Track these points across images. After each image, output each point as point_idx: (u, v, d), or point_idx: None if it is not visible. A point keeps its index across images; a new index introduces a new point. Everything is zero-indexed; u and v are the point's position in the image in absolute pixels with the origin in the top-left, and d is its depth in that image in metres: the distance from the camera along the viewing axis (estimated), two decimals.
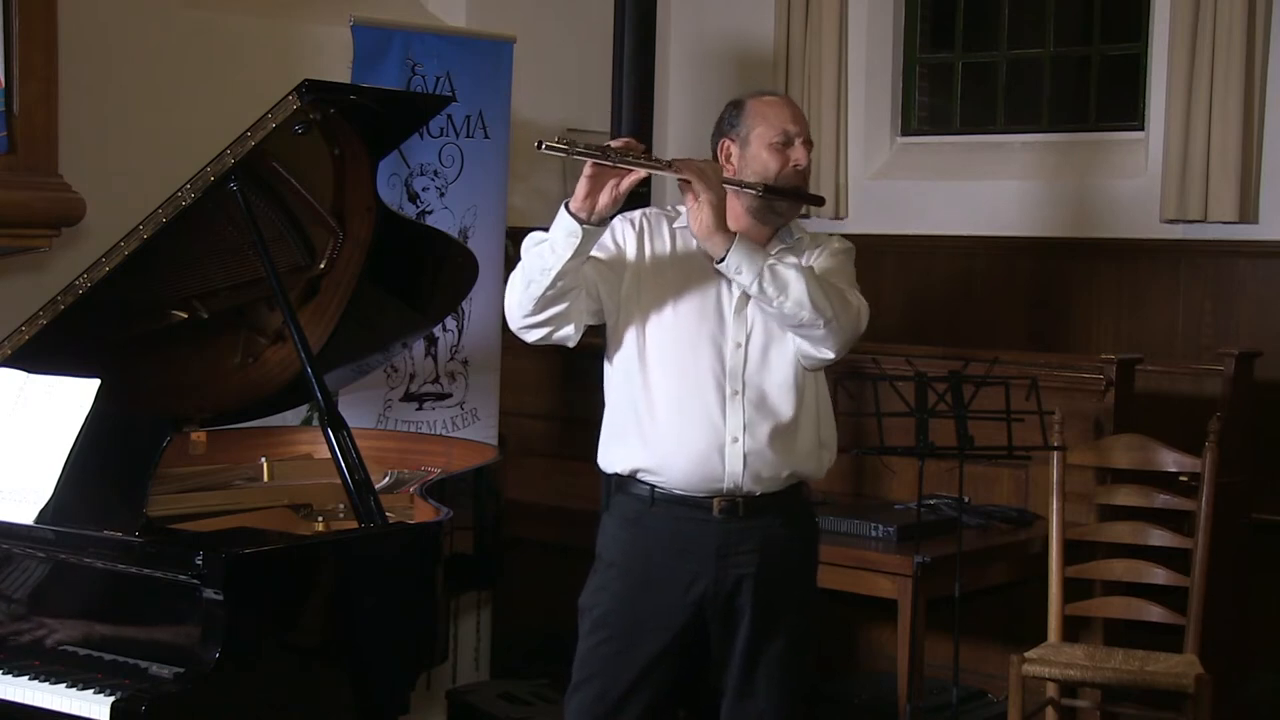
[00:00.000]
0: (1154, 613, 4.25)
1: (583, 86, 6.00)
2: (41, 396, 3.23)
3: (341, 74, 4.73)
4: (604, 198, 2.98)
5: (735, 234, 3.03)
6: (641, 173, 3.00)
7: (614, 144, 3.00)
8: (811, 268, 3.11)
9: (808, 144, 3.20)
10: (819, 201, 3.24)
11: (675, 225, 3.23)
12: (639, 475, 3.18)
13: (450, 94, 4.85)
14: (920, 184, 6.06)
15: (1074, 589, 4.32)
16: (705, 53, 6.48)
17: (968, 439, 3.95)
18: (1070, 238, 5.67)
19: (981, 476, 4.61)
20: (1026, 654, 4.12)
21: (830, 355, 3.12)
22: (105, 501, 3.10)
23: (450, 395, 5.13)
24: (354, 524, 3.29)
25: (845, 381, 4.19)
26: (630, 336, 3.19)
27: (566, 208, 2.99)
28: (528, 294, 3.06)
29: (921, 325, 5.86)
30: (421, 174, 4.99)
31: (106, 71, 4.67)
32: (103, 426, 3.15)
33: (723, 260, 3.02)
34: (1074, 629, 4.36)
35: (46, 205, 3.92)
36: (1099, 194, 5.64)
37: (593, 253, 3.10)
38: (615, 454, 3.22)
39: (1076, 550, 4.34)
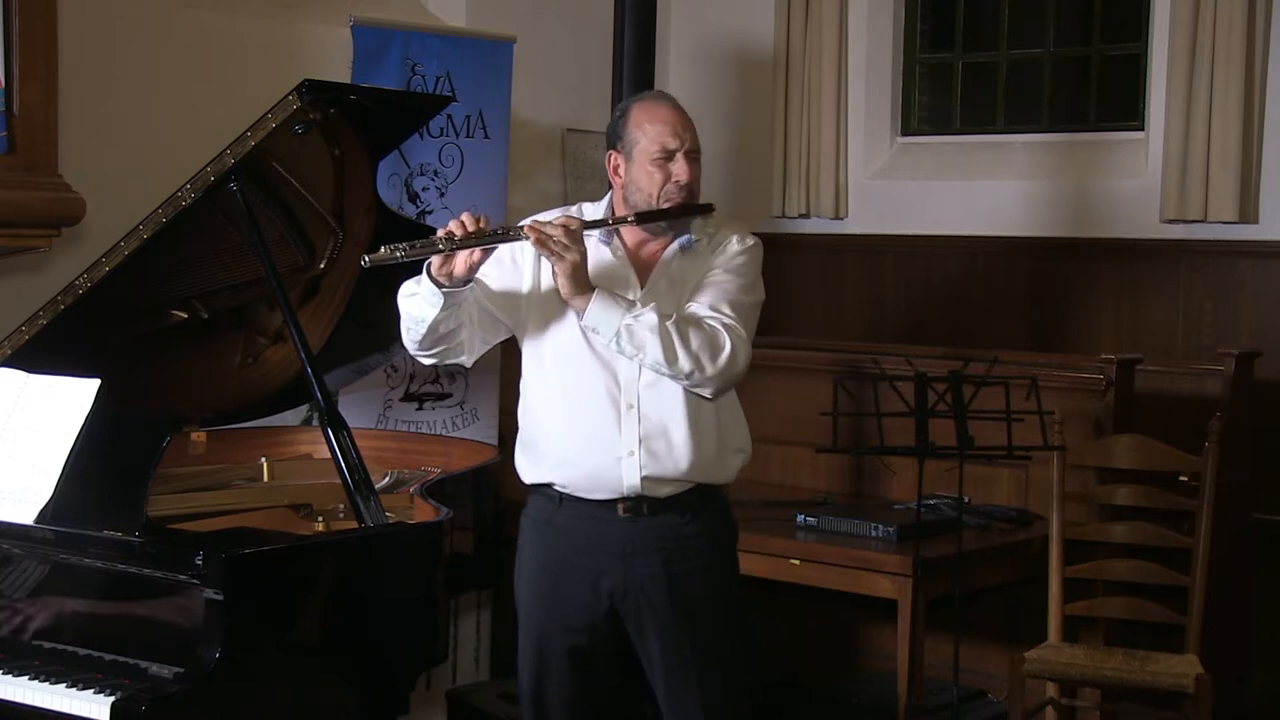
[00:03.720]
0: (1154, 613, 4.25)
1: (583, 86, 6.00)
2: (41, 396, 3.23)
3: (341, 74, 4.73)
4: (459, 266, 2.98)
5: (594, 290, 3.01)
6: (496, 245, 3.00)
7: (453, 229, 2.95)
8: (673, 322, 3.02)
9: (691, 155, 3.13)
10: (706, 211, 3.18)
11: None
12: (547, 483, 3.23)
13: (450, 94, 4.84)
14: (920, 184, 6.06)
15: (1074, 589, 4.32)
16: (705, 53, 6.48)
17: (968, 439, 3.95)
18: (1070, 238, 5.67)
19: (981, 476, 4.61)
20: (1026, 654, 4.12)
21: (706, 395, 3.12)
22: (105, 501, 3.09)
23: (450, 395, 5.13)
24: (354, 524, 3.29)
25: (845, 381, 4.19)
26: (532, 352, 3.22)
27: (428, 270, 3.01)
28: (409, 336, 3.14)
29: (921, 325, 5.86)
30: (421, 174, 4.98)
31: (106, 71, 4.67)
32: (103, 426, 3.15)
33: (582, 318, 3.03)
34: (1074, 629, 4.36)
35: (46, 205, 3.91)
36: (1099, 194, 5.64)
37: (490, 278, 3.13)
38: (524, 465, 3.27)
39: (1076, 550, 4.33)
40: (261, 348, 3.96)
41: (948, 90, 6.22)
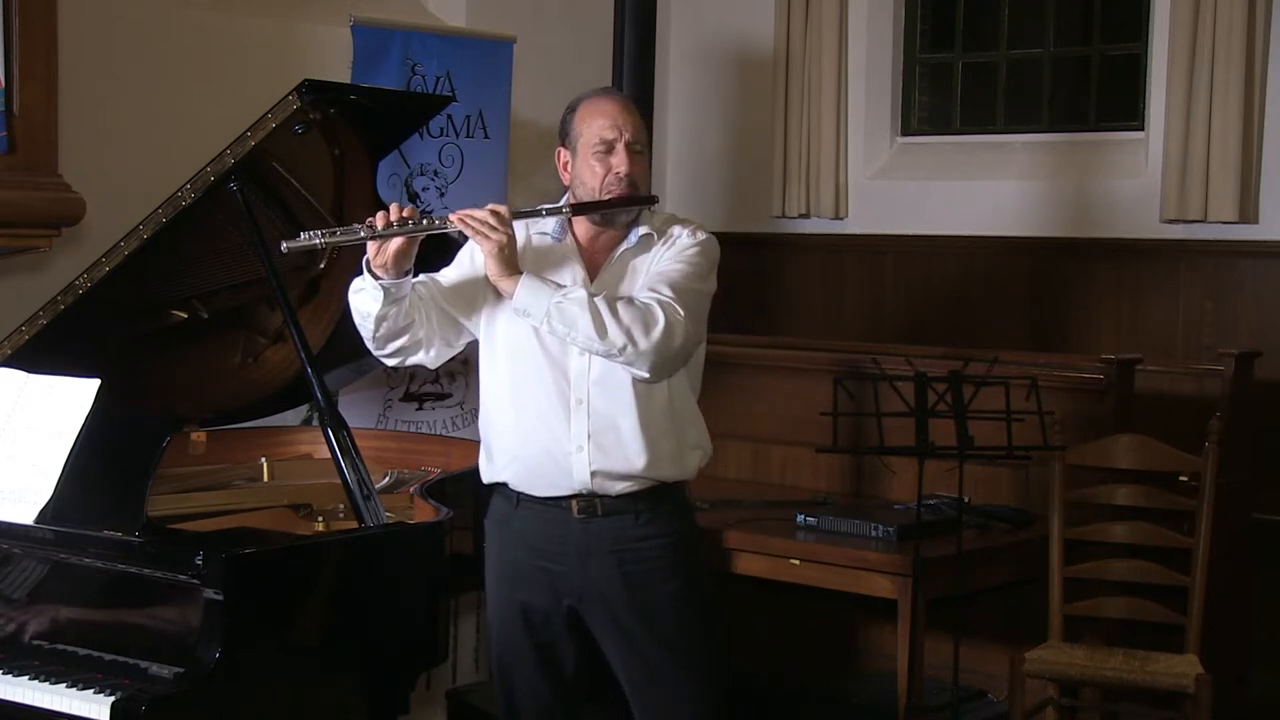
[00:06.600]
0: (1154, 612, 4.25)
1: (583, 86, 5.94)
2: (41, 396, 3.23)
3: (341, 74, 4.73)
4: (389, 256, 3.00)
5: (521, 275, 3.01)
6: (421, 234, 3.02)
7: (376, 220, 2.99)
8: (603, 298, 3.01)
9: (632, 147, 3.15)
10: (646, 202, 3.18)
11: (533, 230, 3.21)
12: (502, 481, 3.24)
13: (450, 94, 4.85)
14: (920, 184, 6.06)
15: (1074, 589, 4.32)
16: (705, 53, 6.48)
17: (968, 439, 3.95)
18: (1070, 238, 5.67)
19: (981, 476, 4.60)
20: (1026, 654, 4.12)
21: (645, 376, 3.09)
22: (105, 501, 3.09)
23: (450, 395, 5.13)
24: (354, 524, 3.29)
25: (845, 381, 4.19)
26: (486, 349, 3.23)
27: (367, 264, 3.03)
28: (363, 331, 3.14)
29: (921, 325, 5.86)
30: (421, 174, 4.99)
31: (107, 71, 4.67)
32: (103, 426, 3.15)
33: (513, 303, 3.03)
34: (1074, 629, 4.36)
35: (46, 205, 3.92)
36: (1099, 194, 5.64)
37: (449, 277, 3.17)
38: (483, 466, 3.30)
39: (1076, 550, 4.33)
40: (261, 348, 3.96)
41: (948, 90, 6.22)
